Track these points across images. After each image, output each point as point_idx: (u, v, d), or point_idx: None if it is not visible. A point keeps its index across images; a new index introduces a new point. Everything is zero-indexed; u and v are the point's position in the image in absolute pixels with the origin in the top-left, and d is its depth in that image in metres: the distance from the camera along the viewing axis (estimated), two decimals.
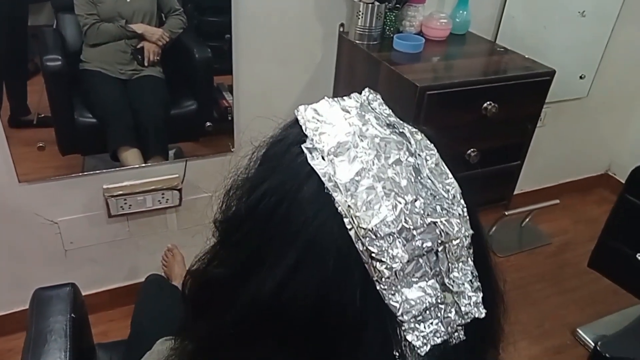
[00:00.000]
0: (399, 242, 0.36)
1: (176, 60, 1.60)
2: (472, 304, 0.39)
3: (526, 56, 1.53)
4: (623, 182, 2.63)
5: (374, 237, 0.36)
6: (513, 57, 1.54)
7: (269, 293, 0.38)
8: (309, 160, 0.40)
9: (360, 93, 0.47)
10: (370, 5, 1.48)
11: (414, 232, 0.37)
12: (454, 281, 0.38)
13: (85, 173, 1.53)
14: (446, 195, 0.39)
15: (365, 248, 0.36)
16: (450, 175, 0.40)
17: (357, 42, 1.54)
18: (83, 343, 0.88)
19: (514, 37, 1.84)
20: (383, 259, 0.36)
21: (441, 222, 0.38)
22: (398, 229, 0.36)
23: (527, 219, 2.36)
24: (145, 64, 1.52)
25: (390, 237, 0.36)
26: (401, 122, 0.44)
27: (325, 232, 0.38)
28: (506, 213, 2.18)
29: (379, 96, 0.46)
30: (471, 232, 0.39)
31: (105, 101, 1.54)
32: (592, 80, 2.27)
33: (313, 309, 0.38)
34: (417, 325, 0.37)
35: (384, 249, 0.36)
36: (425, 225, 0.37)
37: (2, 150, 1.39)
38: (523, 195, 2.40)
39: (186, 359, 0.48)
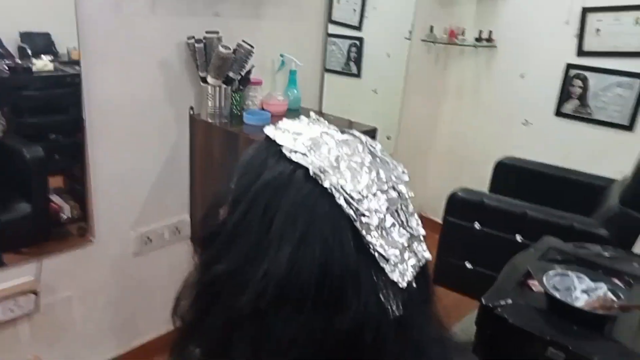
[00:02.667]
0: (376, 200, 0.50)
1: (1, 163, 1.51)
2: (423, 249, 0.53)
3: (352, 120, 1.86)
4: (435, 219, 3.16)
5: (361, 197, 0.49)
6: (343, 121, 1.85)
7: (282, 267, 0.47)
8: (293, 158, 0.51)
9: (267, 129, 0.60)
10: (218, 88, 1.66)
11: (383, 194, 0.51)
12: (412, 228, 0.53)
13: None
14: (395, 169, 0.55)
15: (355, 208, 0.49)
16: (391, 157, 0.57)
17: (210, 121, 1.68)
18: None
19: (334, 110, 2.20)
20: (369, 214, 0.49)
21: (397, 186, 0.53)
22: (374, 191, 0.50)
23: None
24: None
25: (371, 197, 0.50)
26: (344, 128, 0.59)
27: (319, 207, 0.49)
28: None
29: (319, 116, 0.62)
30: (412, 194, 0.55)
31: None
32: (396, 140, 2.78)
33: (320, 271, 0.47)
34: (396, 267, 0.50)
35: (368, 206, 0.49)
36: (389, 188, 0.52)
37: None
38: None
39: None
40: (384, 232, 0.50)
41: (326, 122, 0.61)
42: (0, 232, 1.49)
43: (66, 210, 1.60)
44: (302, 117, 0.61)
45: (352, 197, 0.49)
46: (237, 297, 0.49)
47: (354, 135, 0.57)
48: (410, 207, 0.54)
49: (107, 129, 1.57)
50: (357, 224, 0.49)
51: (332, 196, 0.49)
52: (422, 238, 0.54)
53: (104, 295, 1.72)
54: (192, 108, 1.75)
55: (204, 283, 0.54)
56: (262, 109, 1.86)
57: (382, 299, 0.49)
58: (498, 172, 2.11)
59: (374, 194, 0.50)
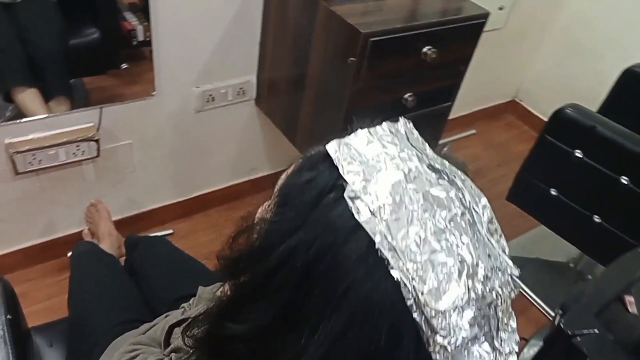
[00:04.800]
0: (463, 314, 0.34)
1: None
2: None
3: None
4: (528, 107, 2.82)
5: (441, 315, 0.34)
6: None
7: (314, 358, 0.35)
8: (355, 214, 0.35)
9: (396, 122, 0.42)
10: None
11: (476, 303, 0.35)
12: (502, 345, 0.37)
13: None
14: (498, 253, 0.38)
15: (427, 320, 0.34)
16: (500, 230, 0.38)
17: None
18: (21, 340, 0.79)
19: None
20: (445, 334, 0.34)
21: (498, 285, 0.36)
22: (463, 304, 0.34)
23: (445, 149, 2.48)
24: None
25: (455, 312, 0.34)
26: (443, 161, 0.40)
27: (378, 295, 0.34)
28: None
29: (411, 125, 0.42)
30: (516, 292, 0.38)
31: None
32: (509, 12, 2.32)
33: None
34: None
35: (450, 323, 0.34)
36: (486, 292, 0.36)
37: None
38: None
39: None
40: (460, 351, 0.35)
41: (416, 133, 0.42)
42: (69, 57, 1.43)
43: (139, 32, 1.48)
44: (386, 124, 0.41)
45: (426, 306, 0.34)
46: None
47: (454, 185, 0.38)
48: (507, 310, 0.37)
49: None
50: (425, 338, 0.34)
51: (400, 286, 0.34)
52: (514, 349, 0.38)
53: (163, 146, 1.70)
54: None
55: (214, 336, 0.42)
56: None
57: None
58: (623, 81, 1.72)
59: (463, 306, 0.34)
